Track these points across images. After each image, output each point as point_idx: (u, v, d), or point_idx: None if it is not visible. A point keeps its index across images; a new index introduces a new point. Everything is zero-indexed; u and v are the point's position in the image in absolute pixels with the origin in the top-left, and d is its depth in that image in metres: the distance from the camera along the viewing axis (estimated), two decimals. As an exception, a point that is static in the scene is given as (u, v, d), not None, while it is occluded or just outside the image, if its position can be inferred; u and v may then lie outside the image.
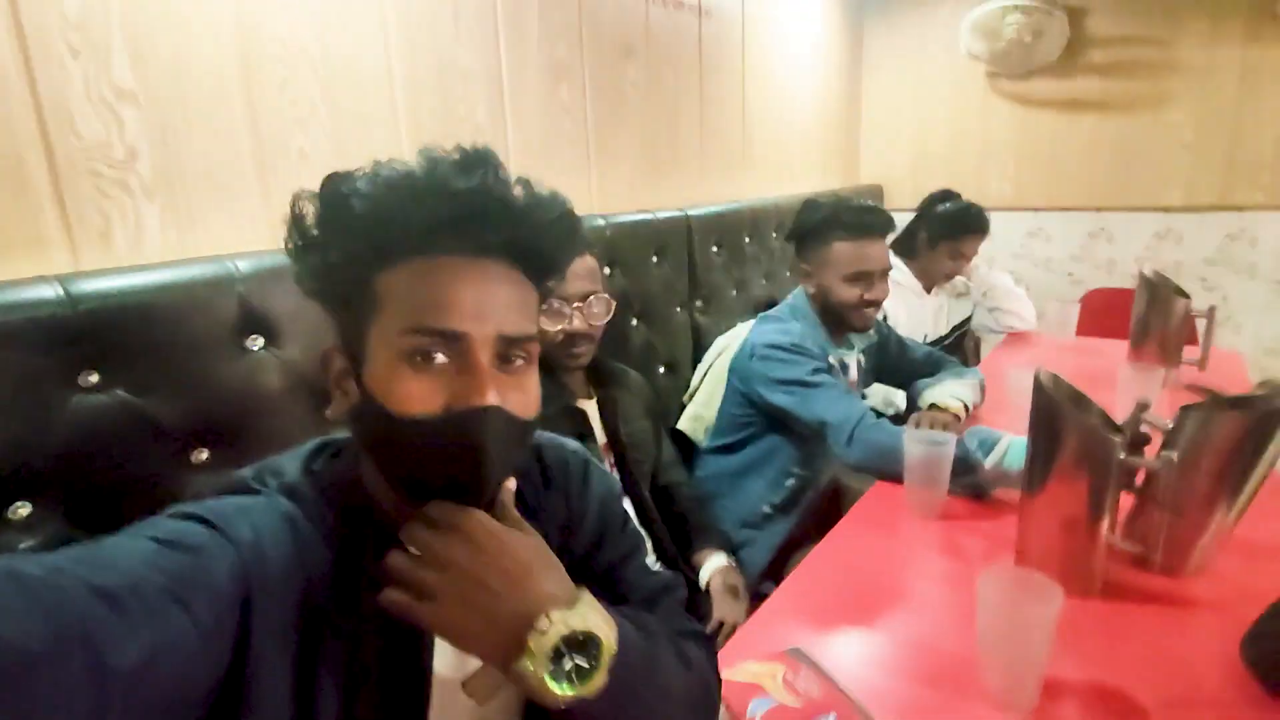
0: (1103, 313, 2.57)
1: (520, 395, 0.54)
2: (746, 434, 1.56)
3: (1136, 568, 0.95)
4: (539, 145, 1.55)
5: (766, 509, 1.50)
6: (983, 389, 1.57)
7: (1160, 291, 1.70)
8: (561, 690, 0.48)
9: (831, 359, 1.51)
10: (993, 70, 2.93)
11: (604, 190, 1.76)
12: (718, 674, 0.68)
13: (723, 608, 1.24)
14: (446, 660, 0.58)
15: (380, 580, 0.51)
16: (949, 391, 1.50)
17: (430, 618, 0.49)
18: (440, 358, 0.52)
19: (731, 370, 1.58)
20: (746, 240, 2.10)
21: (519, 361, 0.55)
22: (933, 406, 1.47)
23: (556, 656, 0.48)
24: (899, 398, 1.85)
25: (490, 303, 0.53)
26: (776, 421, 1.49)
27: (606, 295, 1.23)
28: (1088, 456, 0.88)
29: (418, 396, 0.51)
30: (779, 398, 1.42)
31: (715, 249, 1.96)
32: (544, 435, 0.70)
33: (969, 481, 1.16)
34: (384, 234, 0.52)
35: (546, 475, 0.68)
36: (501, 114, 1.45)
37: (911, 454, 1.12)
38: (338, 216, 0.53)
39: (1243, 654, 0.76)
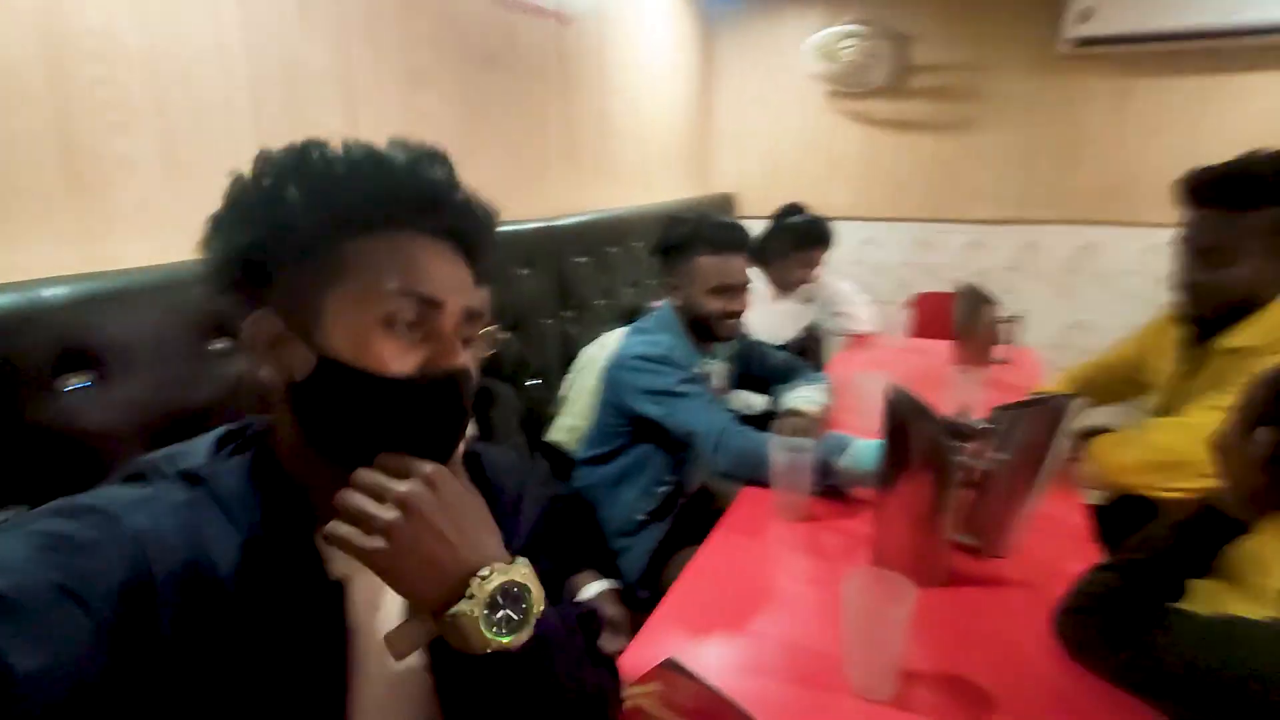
0: (930, 315, 2.87)
1: (474, 367, 0.60)
2: (619, 443, 1.59)
3: (967, 555, 1.07)
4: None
5: (640, 516, 1.54)
6: (831, 391, 1.70)
7: (976, 300, 1.92)
8: (492, 636, 0.51)
9: (697, 369, 1.57)
10: (833, 89, 3.16)
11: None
12: (619, 699, 0.70)
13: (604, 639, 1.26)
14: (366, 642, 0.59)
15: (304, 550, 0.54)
16: (805, 396, 1.61)
17: (377, 557, 0.50)
18: (411, 323, 0.54)
19: (603, 381, 1.60)
20: (613, 250, 2.13)
21: (473, 338, 0.60)
22: (792, 411, 1.57)
23: (492, 605, 0.51)
24: (757, 401, 1.96)
25: (459, 279, 0.58)
26: (647, 430, 1.53)
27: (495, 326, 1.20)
28: (932, 461, 0.98)
29: (394, 357, 0.54)
30: (648, 408, 1.46)
31: (583, 259, 1.97)
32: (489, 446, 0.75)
33: (827, 483, 1.25)
34: (363, 203, 0.54)
35: (489, 470, 0.70)
36: (354, 120, 1.37)
37: (777, 460, 1.19)
38: (314, 178, 0.54)
39: (1053, 629, 0.89)
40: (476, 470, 0.68)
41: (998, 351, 1.92)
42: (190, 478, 0.55)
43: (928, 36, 2.98)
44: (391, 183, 0.55)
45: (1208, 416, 1.16)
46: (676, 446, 1.52)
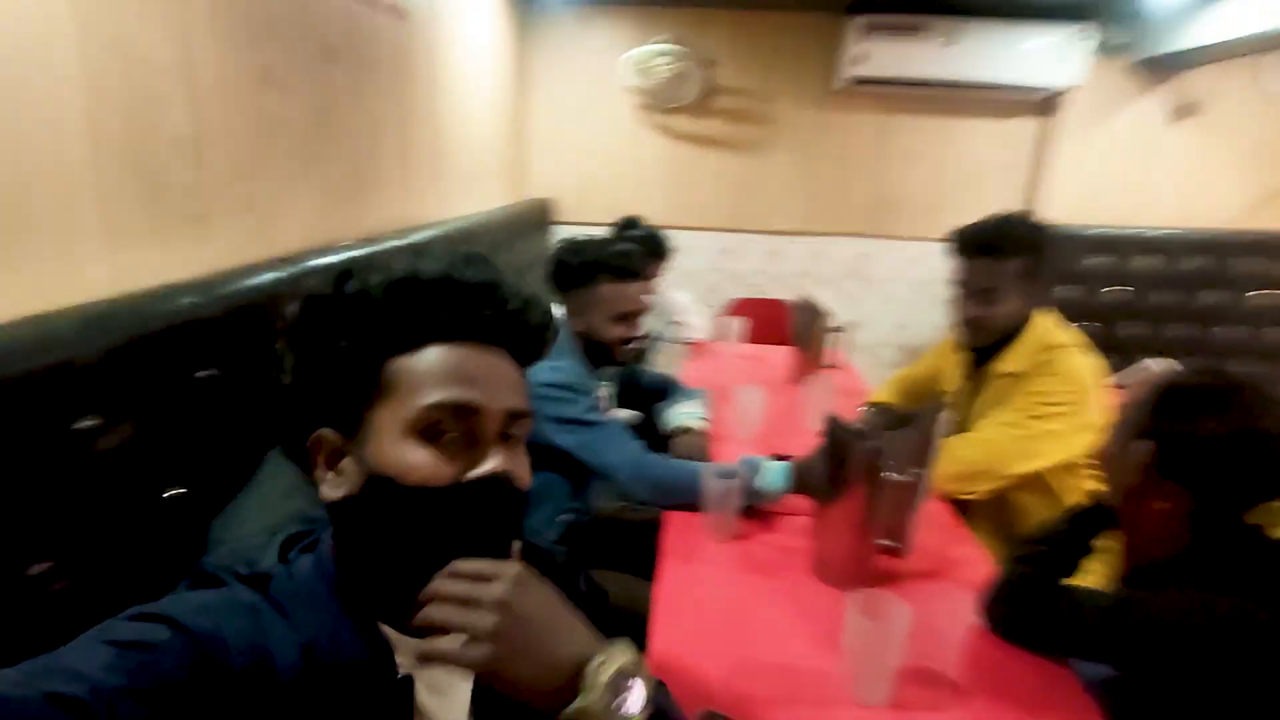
0: (756, 321, 3.11)
1: (519, 468, 0.60)
2: (519, 474, 1.53)
3: (885, 556, 1.22)
4: (251, 159, 1.27)
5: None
6: (708, 404, 1.80)
7: (812, 312, 2.15)
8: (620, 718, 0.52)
9: (594, 392, 1.57)
10: (644, 103, 3.29)
11: (326, 214, 1.52)
12: None
13: None
14: None
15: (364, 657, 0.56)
16: (690, 413, 1.69)
17: (486, 663, 0.50)
18: (451, 432, 0.57)
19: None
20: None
21: (517, 437, 0.61)
22: (682, 429, 1.64)
23: (612, 692, 0.52)
24: (628, 416, 2.00)
25: (497, 381, 0.59)
26: (551, 459, 1.49)
27: None
28: (867, 477, 1.11)
29: (431, 467, 0.55)
30: (562, 437, 1.43)
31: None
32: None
33: (746, 504, 1.33)
34: (398, 322, 0.57)
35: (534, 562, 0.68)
36: (199, 122, 1.14)
37: (711, 487, 1.25)
38: (353, 306, 0.57)
39: (982, 616, 1.05)
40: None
41: (829, 358, 2.18)
42: (257, 580, 0.57)
43: (728, 62, 3.23)
44: (425, 300, 0.57)
45: (996, 431, 1.46)
46: (581, 474, 1.50)
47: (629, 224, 2.48)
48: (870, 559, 1.15)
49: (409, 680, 0.58)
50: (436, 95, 2.21)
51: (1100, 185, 3.26)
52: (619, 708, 0.52)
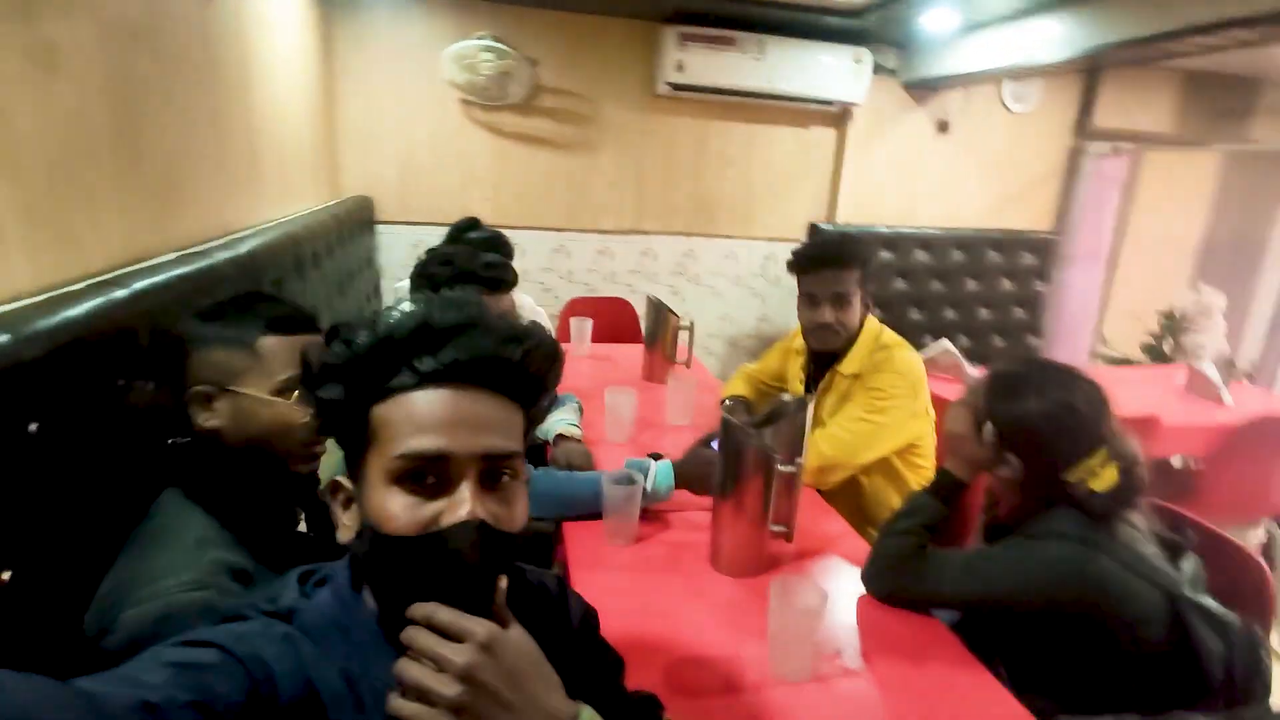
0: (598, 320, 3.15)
1: (505, 510, 0.60)
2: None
3: (776, 541, 1.32)
4: (42, 162, 1.05)
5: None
6: (580, 409, 1.81)
7: (661, 311, 2.24)
8: None
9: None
10: (467, 99, 3.18)
11: (137, 224, 1.30)
12: None
13: None
14: None
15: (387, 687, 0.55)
16: (565, 420, 1.69)
17: None
18: (430, 479, 0.57)
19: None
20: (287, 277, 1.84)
21: (505, 477, 0.61)
22: (561, 436, 1.63)
23: None
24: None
25: (471, 424, 0.59)
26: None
27: None
28: (758, 472, 1.19)
29: (403, 517, 0.56)
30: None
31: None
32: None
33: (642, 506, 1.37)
34: (376, 370, 0.59)
35: (525, 597, 0.69)
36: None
37: (612, 495, 1.27)
38: (338, 358, 0.59)
39: (865, 585, 1.19)
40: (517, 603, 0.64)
41: (681, 356, 2.28)
42: (283, 615, 0.59)
43: (551, 62, 3.22)
44: (402, 345, 0.58)
45: (845, 427, 1.64)
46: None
47: (470, 225, 2.39)
48: (765, 546, 1.24)
49: None
50: (249, 87, 1.97)
51: (882, 190, 3.73)
52: None
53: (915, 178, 3.77)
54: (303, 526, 1.06)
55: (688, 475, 1.42)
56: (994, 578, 1.08)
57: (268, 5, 2.16)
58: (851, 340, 1.72)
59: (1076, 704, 1.04)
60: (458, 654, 0.52)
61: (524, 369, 0.61)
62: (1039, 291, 3.83)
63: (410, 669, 0.52)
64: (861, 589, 1.20)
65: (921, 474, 1.76)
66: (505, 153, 3.32)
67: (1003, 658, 1.12)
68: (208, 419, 0.90)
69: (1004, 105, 3.74)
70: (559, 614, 0.75)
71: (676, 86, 3.22)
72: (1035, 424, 1.09)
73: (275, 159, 2.22)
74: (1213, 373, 2.60)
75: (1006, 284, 3.77)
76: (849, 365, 1.72)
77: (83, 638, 0.78)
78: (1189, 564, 1.13)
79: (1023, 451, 1.10)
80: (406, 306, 0.60)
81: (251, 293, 1.06)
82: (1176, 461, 2.48)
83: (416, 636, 0.53)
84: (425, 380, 0.58)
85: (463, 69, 3.03)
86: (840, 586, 1.21)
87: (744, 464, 1.20)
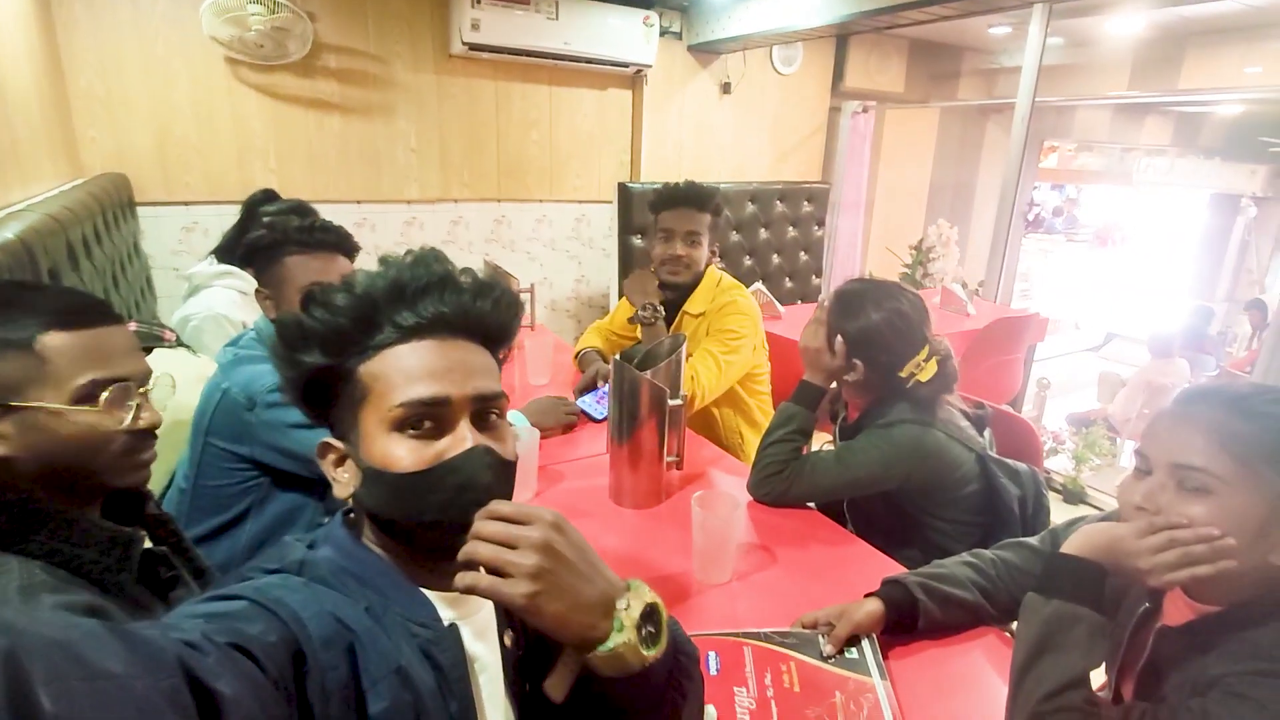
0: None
1: (500, 444, 0.65)
2: (249, 502, 1.31)
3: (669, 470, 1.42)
4: None
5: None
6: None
7: (500, 276, 2.21)
8: (647, 653, 0.57)
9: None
10: (234, 57, 2.81)
11: None
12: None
13: None
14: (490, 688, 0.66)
15: (414, 621, 0.61)
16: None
17: (527, 599, 0.53)
18: (428, 424, 0.62)
19: (210, 433, 1.28)
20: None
21: (493, 417, 0.66)
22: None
23: (638, 628, 0.57)
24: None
25: (462, 369, 0.63)
26: (294, 476, 1.31)
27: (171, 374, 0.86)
28: (654, 408, 1.27)
29: (410, 458, 0.60)
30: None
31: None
32: None
33: None
34: (361, 330, 0.62)
35: None
36: None
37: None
38: (321, 324, 0.61)
39: (752, 492, 1.32)
40: None
41: (524, 320, 2.27)
42: (300, 566, 0.60)
43: (329, 17, 2.95)
44: (381, 304, 0.62)
45: (699, 364, 1.78)
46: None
47: (265, 198, 2.15)
48: (662, 477, 1.33)
49: (455, 627, 0.63)
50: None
51: (679, 149, 3.95)
52: (645, 642, 0.57)
53: (706, 136, 4.03)
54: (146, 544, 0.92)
55: (539, 416, 1.55)
56: (859, 466, 1.27)
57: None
58: (696, 282, 1.86)
59: (927, 555, 1.28)
60: (533, 531, 0.55)
61: (495, 317, 0.66)
62: (819, 236, 4.32)
63: (482, 548, 0.54)
64: (748, 497, 1.34)
65: (761, 399, 1.96)
66: (287, 119, 3.00)
67: (858, 529, 1.33)
68: None
69: (774, 68, 4.11)
70: None
71: (473, 46, 3.11)
72: (876, 331, 1.28)
73: (3, 130, 1.82)
74: (959, 290, 3.16)
75: (792, 231, 4.21)
76: (695, 305, 1.86)
77: None
78: (987, 433, 1.42)
79: (867, 356, 1.29)
80: (369, 271, 0.63)
81: (13, 282, 0.87)
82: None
83: (485, 526, 0.55)
84: (409, 334, 0.62)
85: (226, 23, 2.67)
86: (738, 496, 1.34)
87: (639, 403, 1.27)
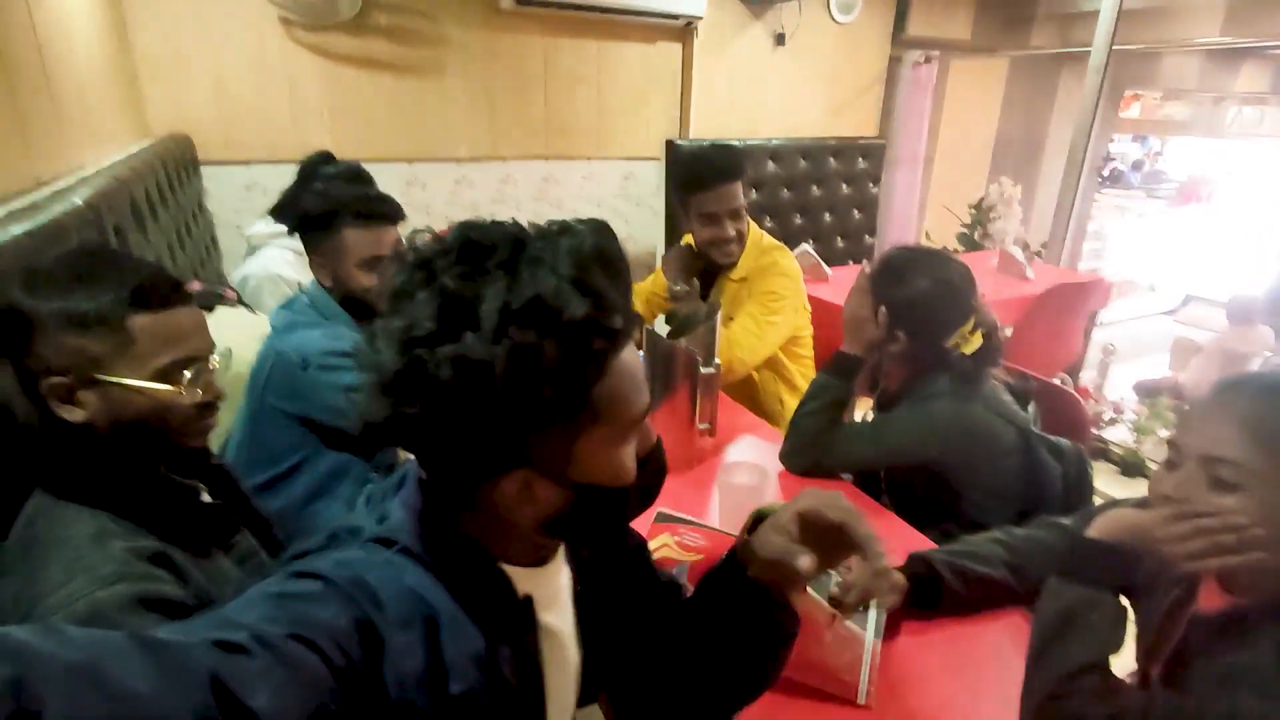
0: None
1: None
2: (300, 457, 1.39)
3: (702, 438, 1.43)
4: None
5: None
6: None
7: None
8: None
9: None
10: (287, 17, 2.85)
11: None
12: None
13: None
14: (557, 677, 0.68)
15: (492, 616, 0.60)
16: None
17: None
18: None
19: (266, 391, 1.35)
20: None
21: None
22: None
23: None
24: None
25: None
26: (345, 435, 1.38)
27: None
28: (686, 375, 1.28)
29: (633, 464, 0.61)
30: (361, 407, 1.33)
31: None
32: None
33: None
34: (599, 353, 0.54)
35: None
36: None
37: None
38: (571, 347, 0.52)
39: (784, 461, 1.33)
40: None
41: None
42: (384, 541, 0.58)
43: (380, -28, 2.96)
44: (601, 311, 0.53)
45: (741, 331, 1.76)
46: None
47: (323, 159, 2.20)
48: (695, 442, 1.35)
49: (529, 599, 0.63)
50: (32, 15, 1.66)
51: (730, 103, 3.85)
52: None
53: (758, 90, 3.91)
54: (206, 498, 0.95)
55: None
56: (895, 439, 1.25)
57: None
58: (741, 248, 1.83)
59: (964, 530, 1.26)
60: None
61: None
62: (873, 194, 4.18)
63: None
64: (779, 466, 1.34)
65: (803, 364, 1.95)
66: (339, 78, 3.04)
67: (895, 501, 1.32)
68: (71, 412, 0.77)
69: (832, 17, 3.94)
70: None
71: (521, 1, 3.08)
72: (921, 301, 1.25)
73: (75, 94, 1.91)
74: (1018, 253, 3.03)
75: (845, 188, 4.08)
76: (739, 271, 1.84)
77: None
78: (1031, 407, 1.38)
79: (910, 327, 1.26)
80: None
81: (93, 250, 0.90)
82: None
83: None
84: (622, 339, 0.56)
85: (280, -18, 2.70)
86: (770, 465, 1.35)
87: (671, 371, 1.28)
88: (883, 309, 1.27)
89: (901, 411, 1.28)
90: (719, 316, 1.44)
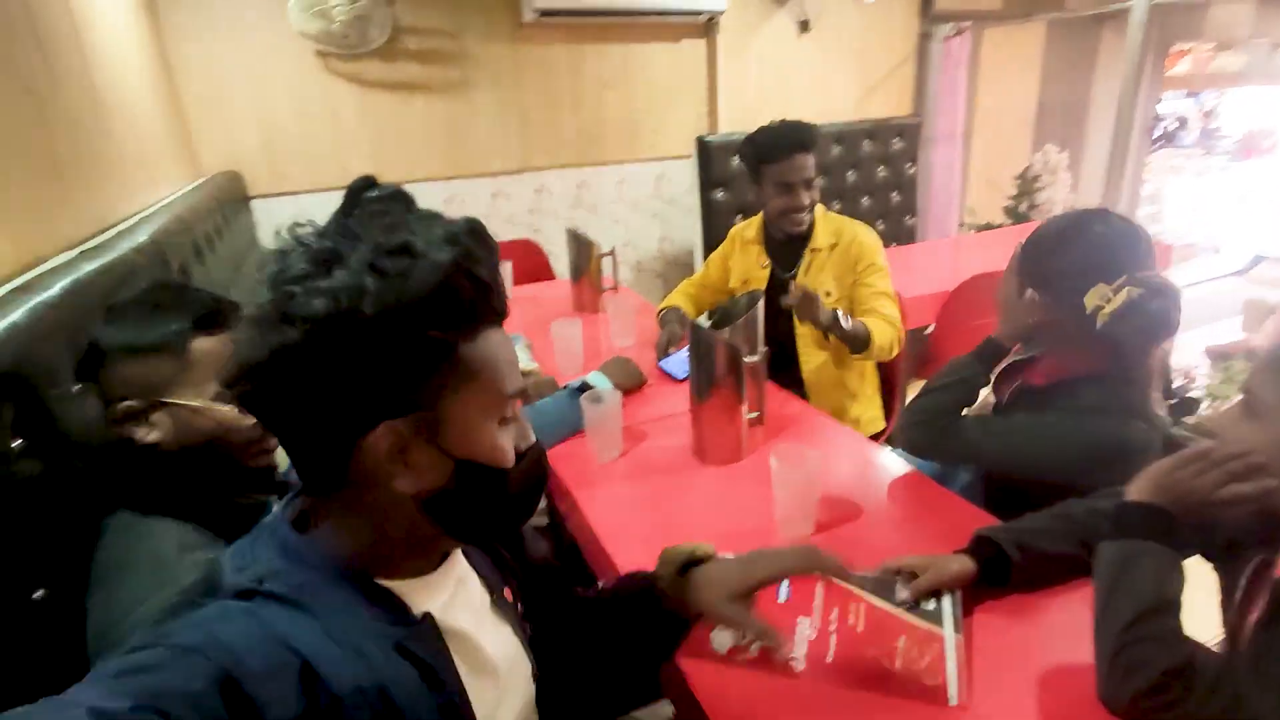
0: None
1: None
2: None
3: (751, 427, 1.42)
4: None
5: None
6: (530, 346, 1.83)
7: (581, 242, 2.25)
8: None
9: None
10: (323, 50, 2.95)
11: (19, 226, 1.18)
12: None
13: None
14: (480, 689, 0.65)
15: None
16: (519, 359, 1.70)
17: None
18: (512, 418, 0.62)
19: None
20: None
21: None
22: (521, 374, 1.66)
23: None
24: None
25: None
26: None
27: None
28: (729, 367, 1.28)
29: (510, 450, 0.61)
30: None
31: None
32: None
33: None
34: (468, 303, 0.55)
35: None
36: None
37: (593, 414, 1.32)
38: (424, 294, 0.52)
39: (900, 438, 1.26)
40: None
41: (607, 283, 2.32)
42: (243, 594, 0.54)
43: (406, 0, 3.04)
44: (477, 277, 0.56)
45: (880, 303, 1.72)
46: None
47: (366, 185, 2.27)
48: (743, 432, 1.34)
49: (429, 618, 0.62)
50: (89, 61, 1.76)
51: (758, 95, 3.83)
52: None
53: (785, 79, 3.88)
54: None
55: (616, 376, 1.55)
56: (1042, 451, 1.12)
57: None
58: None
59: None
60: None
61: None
62: (911, 174, 4.10)
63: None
64: (825, 451, 1.32)
65: None
66: (374, 103, 3.13)
67: (990, 498, 1.22)
68: (146, 433, 0.84)
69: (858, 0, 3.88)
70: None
71: (544, 12, 3.12)
72: (1066, 266, 1.10)
73: (132, 140, 2.02)
74: (1068, 222, 2.92)
75: (882, 171, 4.01)
76: (821, 239, 1.84)
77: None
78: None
79: (1055, 298, 1.12)
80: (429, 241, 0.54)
81: (162, 284, 0.97)
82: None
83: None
84: (494, 317, 0.59)
85: (313, 17, 2.80)
86: (828, 455, 1.33)
87: (716, 362, 1.28)
88: (1029, 291, 1.15)
89: (1052, 420, 1.12)
90: (761, 304, 1.43)
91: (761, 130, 1.81)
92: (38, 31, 1.45)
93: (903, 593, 0.92)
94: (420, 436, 0.56)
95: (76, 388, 0.94)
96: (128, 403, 0.82)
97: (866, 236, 1.84)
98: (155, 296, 0.89)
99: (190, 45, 2.78)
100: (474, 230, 0.57)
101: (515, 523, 0.67)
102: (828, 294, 1.81)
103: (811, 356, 1.85)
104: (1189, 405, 3.01)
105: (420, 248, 0.53)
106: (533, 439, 0.65)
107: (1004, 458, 1.18)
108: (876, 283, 1.79)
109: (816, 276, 1.84)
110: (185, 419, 0.84)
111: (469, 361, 0.56)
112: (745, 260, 1.99)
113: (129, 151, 1.97)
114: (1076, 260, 1.09)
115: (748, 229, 2.01)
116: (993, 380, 1.27)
